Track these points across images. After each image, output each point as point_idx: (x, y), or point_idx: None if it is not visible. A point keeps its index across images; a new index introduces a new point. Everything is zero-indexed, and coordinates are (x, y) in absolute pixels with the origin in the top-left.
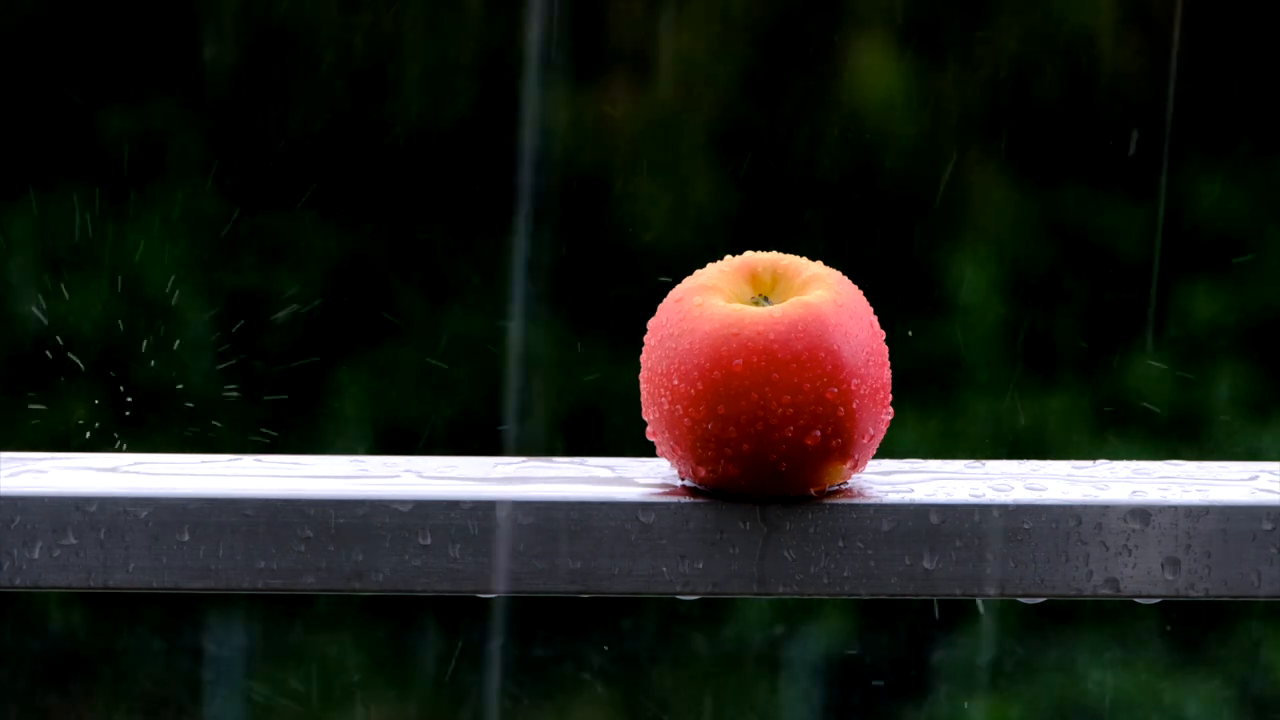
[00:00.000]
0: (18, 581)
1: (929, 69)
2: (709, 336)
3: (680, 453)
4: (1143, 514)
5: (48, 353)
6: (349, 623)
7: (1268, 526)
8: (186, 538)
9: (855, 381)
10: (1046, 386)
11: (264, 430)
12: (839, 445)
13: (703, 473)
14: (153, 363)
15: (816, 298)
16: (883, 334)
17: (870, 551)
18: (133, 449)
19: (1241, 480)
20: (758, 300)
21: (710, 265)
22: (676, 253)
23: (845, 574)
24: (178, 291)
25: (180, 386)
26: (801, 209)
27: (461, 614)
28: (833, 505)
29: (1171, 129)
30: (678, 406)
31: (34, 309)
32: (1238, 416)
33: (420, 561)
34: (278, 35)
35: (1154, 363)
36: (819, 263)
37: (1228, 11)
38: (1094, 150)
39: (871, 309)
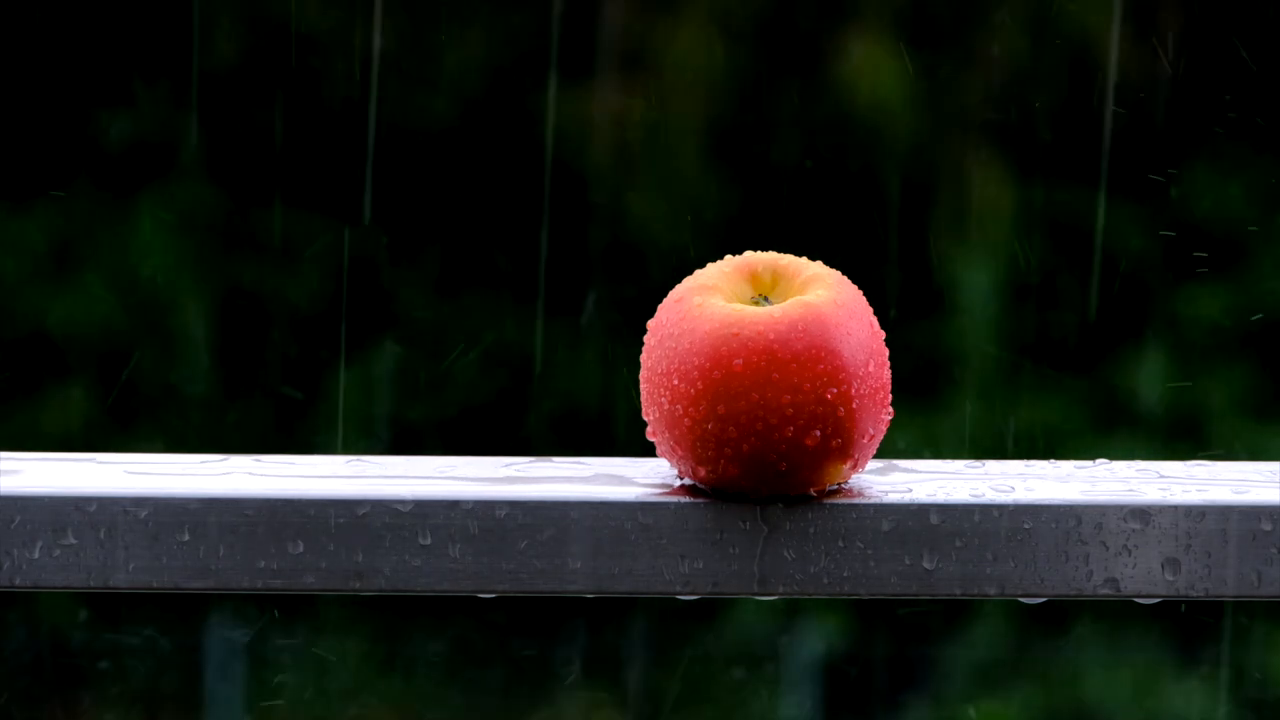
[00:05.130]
0: (18, 581)
1: (928, 68)
2: (709, 336)
3: (680, 453)
4: (1143, 514)
5: (48, 352)
6: (348, 622)
7: (1268, 527)
8: (186, 538)
9: (855, 381)
10: (1046, 386)
11: (263, 430)
12: (839, 445)
13: (703, 473)
14: (152, 362)
15: (816, 298)
16: (883, 334)
17: (870, 551)
18: (132, 449)
19: (1241, 480)
20: (758, 300)
21: (710, 265)
22: (676, 253)
23: (845, 574)
24: (177, 291)
25: (180, 386)
26: (801, 209)
27: (461, 614)
28: (833, 505)
29: (1171, 129)
30: (678, 406)
31: (34, 309)
32: (1238, 416)
33: (420, 561)
34: (277, 34)
35: (1154, 363)
36: (819, 263)
37: (1228, 10)
38: (1094, 150)
39: (871, 309)
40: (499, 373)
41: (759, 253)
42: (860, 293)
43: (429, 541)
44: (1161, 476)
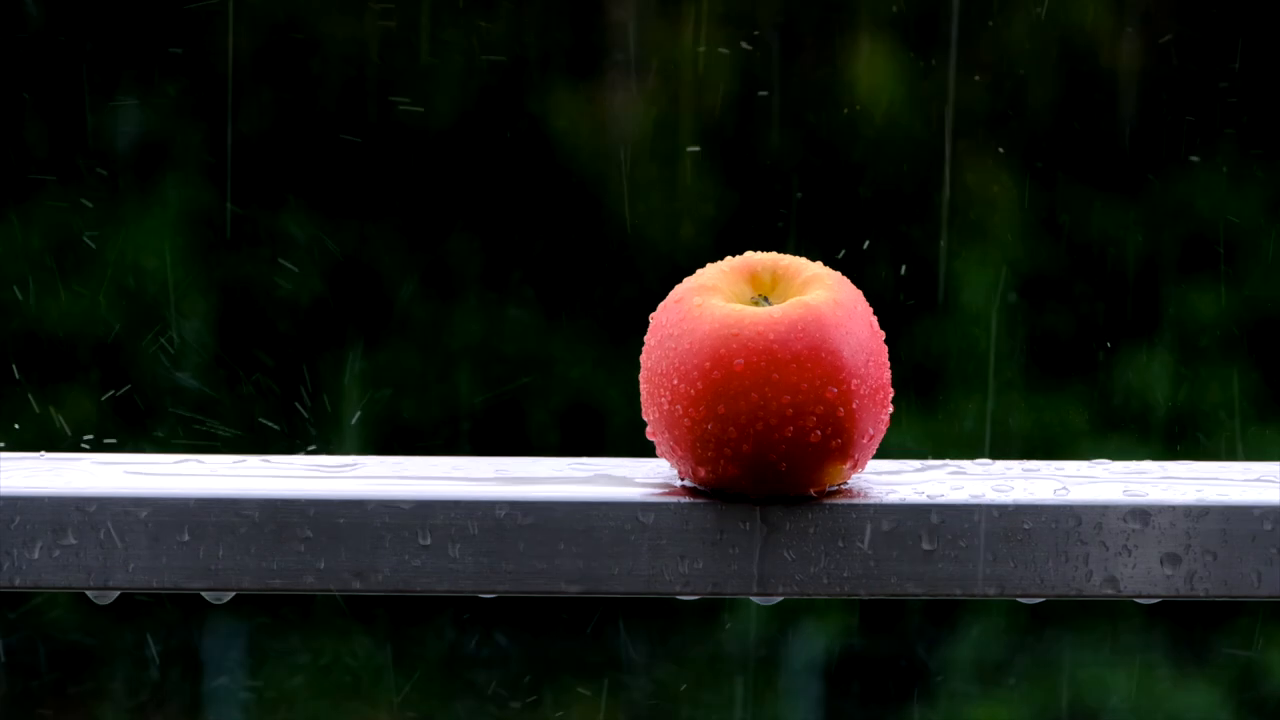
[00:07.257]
0: (18, 581)
1: (929, 68)
2: (709, 336)
3: (680, 453)
4: (1143, 514)
5: (47, 352)
6: (348, 622)
7: (1268, 526)
8: (186, 538)
9: (855, 382)
10: (1046, 386)
11: (263, 430)
12: (839, 445)
13: (703, 473)
14: (153, 361)
15: (816, 298)
16: (883, 334)
17: (870, 551)
18: (133, 449)
19: (1241, 480)
20: (758, 300)
21: (710, 265)
22: (676, 253)
23: (845, 574)
24: (178, 290)
25: (180, 385)
26: (800, 209)
27: (461, 614)
28: (833, 505)
29: (1171, 128)
30: (678, 406)
31: (34, 308)
32: (1238, 416)
33: (420, 561)
34: (278, 34)
35: (1154, 363)
36: (819, 263)
37: (1227, 10)
38: (1094, 150)
39: (871, 309)
40: (499, 372)
41: (759, 253)
42: (860, 293)
43: (429, 541)
44: (1161, 476)
